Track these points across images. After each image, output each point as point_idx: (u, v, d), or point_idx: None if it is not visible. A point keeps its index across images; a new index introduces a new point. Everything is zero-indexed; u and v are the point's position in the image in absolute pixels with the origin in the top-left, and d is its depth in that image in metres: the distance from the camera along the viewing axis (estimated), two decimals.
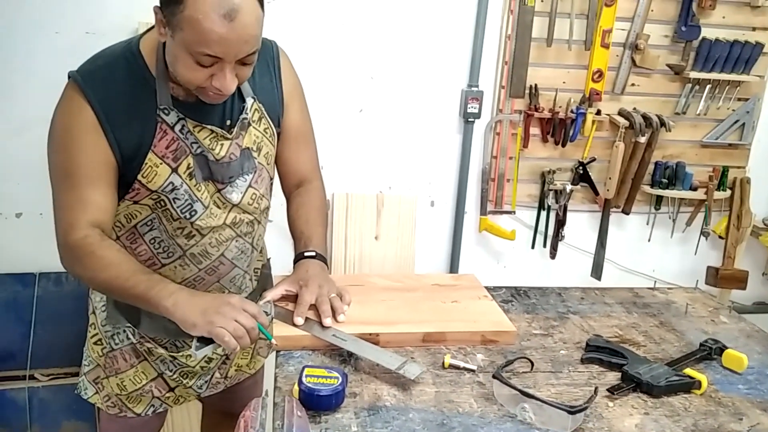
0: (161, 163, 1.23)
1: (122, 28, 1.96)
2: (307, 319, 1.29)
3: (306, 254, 1.38)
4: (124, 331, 1.38)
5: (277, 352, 1.29)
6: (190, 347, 1.38)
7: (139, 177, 1.22)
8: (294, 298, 1.34)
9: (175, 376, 1.43)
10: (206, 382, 1.48)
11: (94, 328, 1.43)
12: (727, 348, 1.36)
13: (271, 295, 1.33)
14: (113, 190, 1.23)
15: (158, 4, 1.12)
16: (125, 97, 1.20)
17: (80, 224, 1.19)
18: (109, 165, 1.21)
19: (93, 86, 1.18)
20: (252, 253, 1.44)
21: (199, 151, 1.26)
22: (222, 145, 1.27)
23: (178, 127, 1.23)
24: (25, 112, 2.02)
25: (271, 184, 1.44)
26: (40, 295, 2.15)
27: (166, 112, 1.22)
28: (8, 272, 2.14)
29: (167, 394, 1.45)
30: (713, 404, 1.20)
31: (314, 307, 1.32)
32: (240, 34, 1.09)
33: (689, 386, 1.23)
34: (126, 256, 1.22)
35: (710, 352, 1.36)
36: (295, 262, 1.40)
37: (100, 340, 1.42)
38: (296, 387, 1.11)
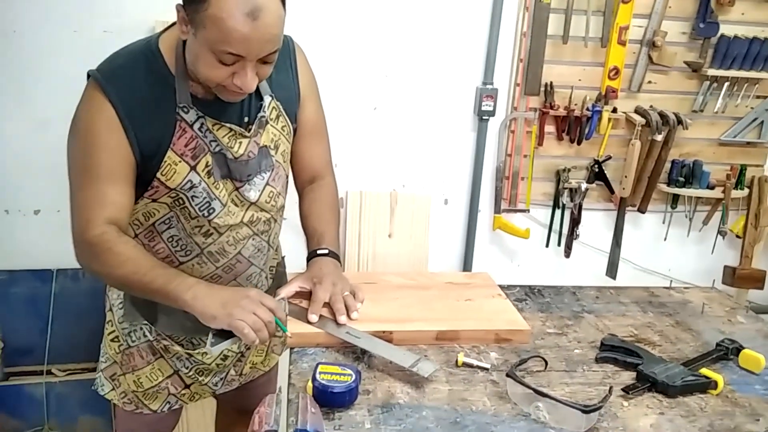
0: (180, 161, 1.24)
1: (139, 26, 1.98)
2: (321, 316, 1.30)
3: (319, 252, 1.39)
4: (141, 328, 1.39)
5: (291, 349, 1.30)
6: (206, 344, 1.39)
7: (158, 175, 1.23)
8: (307, 296, 1.35)
9: (191, 374, 1.44)
10: (221, 379, 1.49)
11: (111, 326, 1.44)
12: (744, 348, 1.34)
13: (285, 292, 1.34)
14: (131, 189, 1.24)
15: (181, 2, 1.13)
16: (145, 95, 1.21)
17: (97, 221, 1.20)
18: (128, 163, 1.21)
19: (114, 84, 1.19)
20: (268, 252, 1.45)
21: (217, 149, 1.26)
22: (240, 143, 1.28)
23: (197, 126, 1.24)
24: (43, 110, 2.04)
25: (287, 181, 1.45)
26: (57, 291, 2.18)
27: (185, 110, 1.22)
28: (26, 268, 2.17)
29: (183, 391, 1.46)
30: (729, 405, 1.20)
31: (328, 304, 1.32)
32: (263, 33, 1.10)
33: (705, 386, 1.22)
34: (143, 252, 1.24)
35: (727, 352, 1.35)
36: (308, 259, 1.41)
37: (117, 337, 1.43)
38: (310, 384, 1.12)
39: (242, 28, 1.07)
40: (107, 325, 1.46)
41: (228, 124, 1.26)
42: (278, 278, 1.57)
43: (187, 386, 1.46)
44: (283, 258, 1.61)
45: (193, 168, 1.25)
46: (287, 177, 1.45)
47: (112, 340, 1.44)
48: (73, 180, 1.24)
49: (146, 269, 1.20)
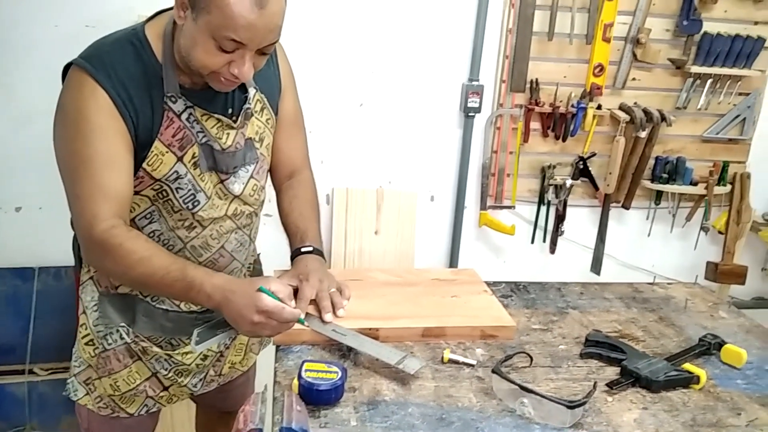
0: (167, 152, 1.22)
1: (122, 20, 1.95)
2: (307, 314, 1.30)
3: (303, 249, 1.38)
4: (118, 330, 1.35)
5: (277, 346, 1.29)
6: (187, 344, 1.38)
7: (144, 165, 1.21)
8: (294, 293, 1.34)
9: (169, 375, 1.41)
10: (201, 380, 1.47)
11: (85, 329, 1.39)
12: (726, 343, 1.36)
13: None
14: (131, 179, 1.21)
15: None
16: (135, 82, 1.18)
17: (104, 215, 1.16)
18: (128, 150, 1.19)
19: (104, 71, 1.16)
20: (249, 246, 1.45)
21: (204, 140, 1.26)
22: (228, 134, 1.28)
23: (184, 116, 1.23)
24: (25, 106, 2.02)
25: (268, 175, 1.45)
26: (39, 290, 2.15)
27: (173, 99, 1.21)
28: (7, 267, 2.14)
29: (161, 393, 1.43)
30: (712, 399, 1.21)
31: (314, 302, 1.32)
32: (267, 23, 1.10)
33: (688, 381, 1.24)
34: (156, 248, 1.21)
35: (709, 347, 1.36)
36: (293, 257, 1.40)
37: (91, 340, 1.38)
38: (296, 381, 1.11)
39: (249, 15, 1.07)
40: (80, 328, 1.40)
41: (216, 115, 1.26)
42: (255, 275, 1.56)
43: (166, 388, 1.43)
44: (258, 255, 1.60)
45: (180, 159, 1.24)
46: (269, 171, 1.44)
47: (86, 344, 1.39)
48: (70, 173, 1.19)
49: (163, 271, 1.17)
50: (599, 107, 2.34)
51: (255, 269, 1.56)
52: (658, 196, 2.51)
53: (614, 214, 2.50)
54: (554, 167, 2.39)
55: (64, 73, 1.22)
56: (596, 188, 2.43)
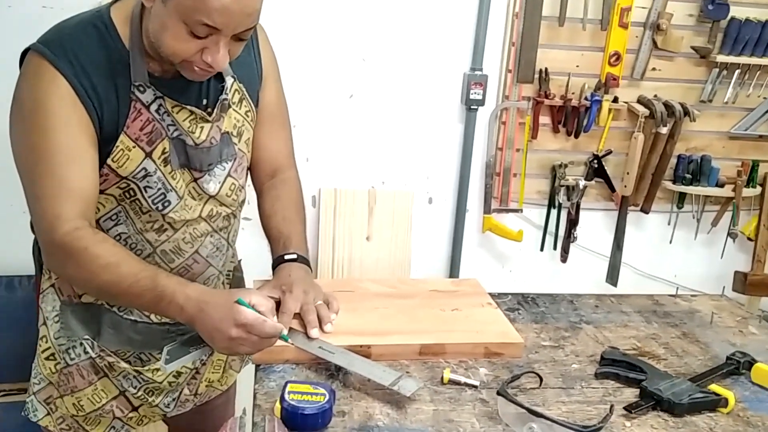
0: (134, 147, 1.22)
1: (83, 1, 1.94)
2: (290, 329, 1.29)
3: (287, 257, 1.38)
4: (82, 344, 1.35)
5: (257, 365, 1.29)
6: (158, 360, 1.37)
7: (109, 161, 1.21)
8: (276, 306, 1.34)
9: (139, 394, 1.40)
10: (174, 399, 1.46)
11: (46, 342, 1.39)
12: (756, 362, 1.37)
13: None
14: (97, 175, 1.21)
15: None
16: (99, 69, 1.19)
17: (67, 215, 1.16)
18: (92, 144, 1.19)
19: (64, 57, 1.16)
20: (227, 251, 1.45)
21: (176, 134, 1.26)
22: (202, 128, 1.28)
23: (154, 107, 1.23)
24: None
25: (248, 174, 1.45)
26: None
27: (141, 89, 1.21)
28: None
29: (130, 414, 1.43)
30: (741, 424, 1.21)
31: (299, 315, 1.32)
32: (243, 6, 1.10)
33: (715, 404, 1.24)
34: (125, 254, 1.21)
35: (738, 367, 1.37)
36: (275, 265, 1.40)
37: (52, 354, 1.38)
38: (278, 405, 1.11)
39: None
40: (41, 341, 1.40)
41: (188, 107, 1.26)
42: (236, 283, 1.56)
43: (135, 408, 1.43)
44: (239, 261, 1.60)
45: (149, 155, 1.24)
46: (249, 169, 1.44)
47: (47, 359, 1.39)
48: (29, 170, 1.19)
49: (131, 279, 1.17)
50: (615, 100, 2.35)
51: (235, 277, 1.56)
52: (681, 198, 2.52)
53: (632, 218, 2.51)
54: (566, 166, 2.40)
55: (21, 59, 1.22)
56: (612, 190, 2.44)
